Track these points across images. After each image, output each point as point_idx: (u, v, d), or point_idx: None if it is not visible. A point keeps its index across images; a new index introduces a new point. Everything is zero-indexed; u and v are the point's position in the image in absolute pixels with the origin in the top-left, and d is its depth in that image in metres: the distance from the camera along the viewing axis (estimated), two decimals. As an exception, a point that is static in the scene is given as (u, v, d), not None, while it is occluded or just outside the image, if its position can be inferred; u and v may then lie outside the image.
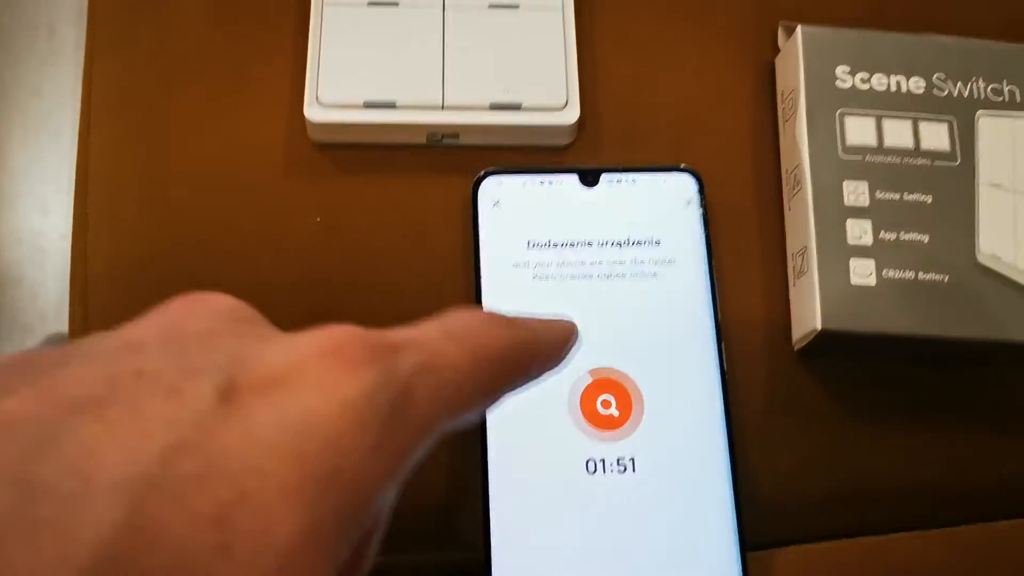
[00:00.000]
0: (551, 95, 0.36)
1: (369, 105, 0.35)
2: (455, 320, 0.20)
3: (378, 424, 0.16)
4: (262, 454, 0.15)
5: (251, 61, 0.37)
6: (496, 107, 0.35)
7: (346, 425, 0.16)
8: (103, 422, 0.14)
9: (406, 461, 0.17)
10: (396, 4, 0.37)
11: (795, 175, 0.35)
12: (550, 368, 0.22)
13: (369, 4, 0.37)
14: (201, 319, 0.18)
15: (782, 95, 0.37)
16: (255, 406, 0.15)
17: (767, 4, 0.39)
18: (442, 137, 0.36)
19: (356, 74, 0.36)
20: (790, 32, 0.37)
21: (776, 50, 0.38)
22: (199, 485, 0.14)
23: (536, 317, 0.22)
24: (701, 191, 0.35)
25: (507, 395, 0.21)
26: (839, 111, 0.35)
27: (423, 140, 0.36)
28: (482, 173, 0.35)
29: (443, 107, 0.35)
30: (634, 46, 0.39)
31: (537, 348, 0.22)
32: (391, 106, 0.35)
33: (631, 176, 0.36)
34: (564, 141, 0.37)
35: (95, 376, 0.15)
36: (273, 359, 0.16)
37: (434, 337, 0.19)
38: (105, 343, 0.17)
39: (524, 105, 0.36)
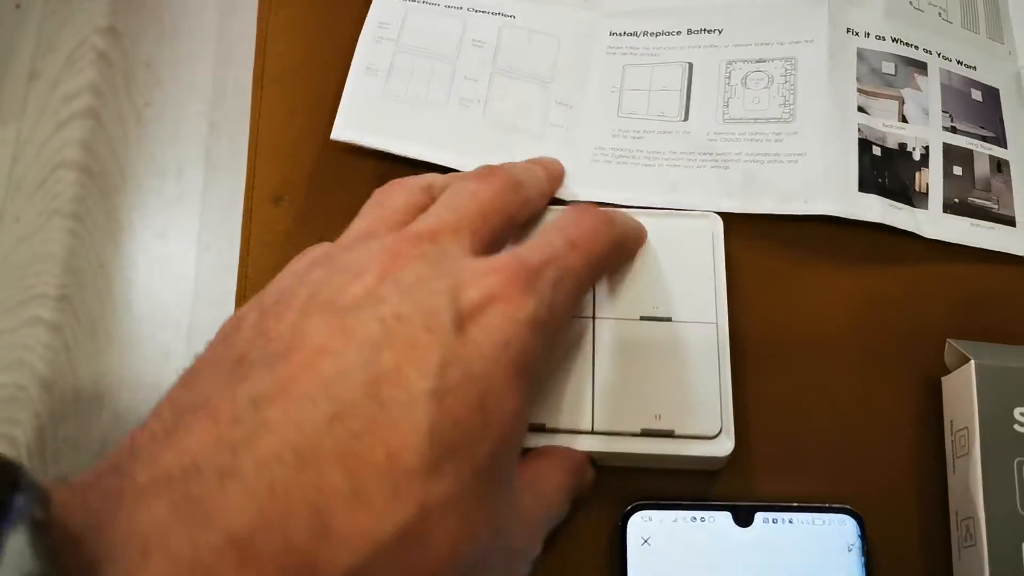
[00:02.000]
0: (705, 423, 0.35)
1: None
2: (574, 226, 0.30)
3: (541, 328, 0.26)
4: (489, 363, 0.24)
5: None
6: (647, 433, 0.34)
7: (526, 335, 0.25)
8: (396, 351, 0.23)
9: (556, 342, 0.29)
10: None
11: (967, 526, 0.33)
12: (632, 256, 0.35)
13: None
14: (410, 264, 0.26)
15: (951, 425, 0.35)
16: (473, 331, 0.24)
17: (932, 314, 0.38)
18: (594, 460, 0.35)
19: None
20: (958, 354, 0.35)
21: (942, 366, 0.36)
22: (466, 387, 0.23)
23: (624, 214, 0.35)
24: (863, 535, 0.33)
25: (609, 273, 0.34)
26: (1017, 459, 0.33)
27: None
28: (630, 508, 0.34)
29: (592, 432, 0.34)
30: (786, 361, 0.37)
31: (627, 241, 0.34)
32: (541, 429, 0.35)
33: (787, 516, 0.34)
34: (716, 467, 0.35)
35: (372, 321, 0.24)
36: (474, 295, 0.25)
37: (561, 249, 0.28)
38: (355, 291, 0.25)
39: (676, 433, 0.34)
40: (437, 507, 0.22)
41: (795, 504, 0.34)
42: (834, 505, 0.34)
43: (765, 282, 0.38)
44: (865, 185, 0.38)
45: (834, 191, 0.37)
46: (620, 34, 0.43)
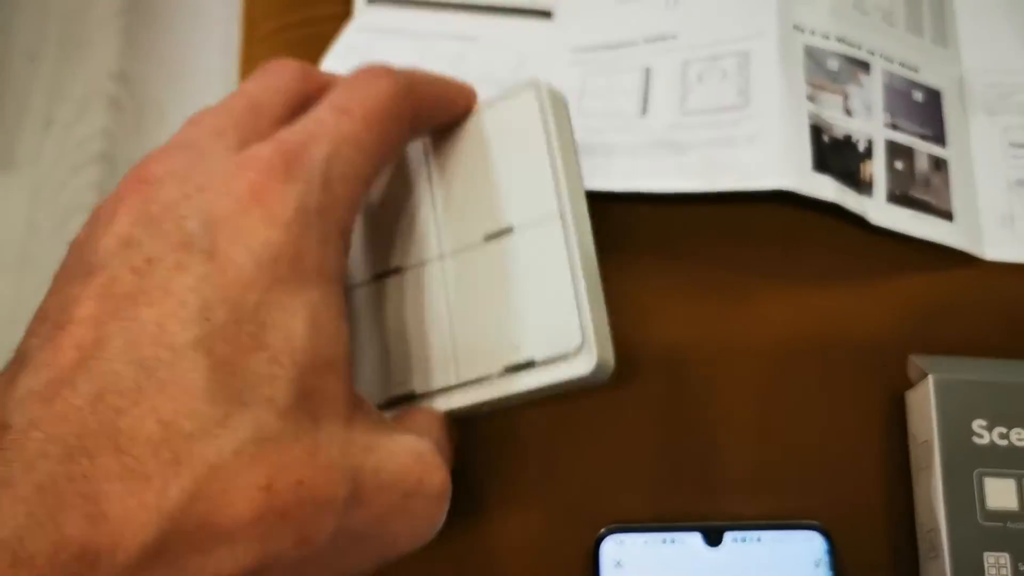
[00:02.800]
0: (562, 340, 0.29)
1: (391, 402, 0.33)
2: (344, 91, 0.25)
3: (316, 218, 0.22)
4: (258, 289, 0.21)
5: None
6: (510, 370, 0.30)
7: (295, 238, 0.22)
8: (152, 305, 0.21)
9: (345, 225, 0.24)
10: (399, 270, 0.33)
11: (931, 538, 0.34)
12: (452, 113, 0.30)
13: (374, 278, 0.34)
14: (158, 190, 0.23)
15: (914, 439, 0.36)
16: (231, 250, 0.22)
17: (896, 328, 0.38)
18: (487, 411, 0.32)
19: (371, 370, 0.33)
20: (919, 369, 0.36)
21: (907, 380, 0.37)
22: (235, 326, 0.21)
23: (427, 71, 0.29)
24: (832, 550, 0.34)
25: (416, 132, 0.28)
26: (977, 470, 0.34)
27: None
28: (603, 532, 0.35)
29: (459, 384, 0.31)
30: (749, 375, 0.38)
31: (423, 90, 0.28)
32: (411, 396, 0.32)
33: (756, 534, 0.35)
34: (594, 386, 0.30)
35: (124, 272, 0.21)
36: (223, 205, 0.22)
37: (329, 120, 0.24)
38: (107, 243, 0.22)
39: (537, 360, 0.29)
40: (233, 463, 0.20)
41: (763, 522, 0.35)
42: (802, 522, 0.35)
43: (726, 296, 0.39)
44: (819, 167, 0.38)
45: (791, 168, 0.38)
46: (580, 50, 0.45)
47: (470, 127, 0.32)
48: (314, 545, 0.22)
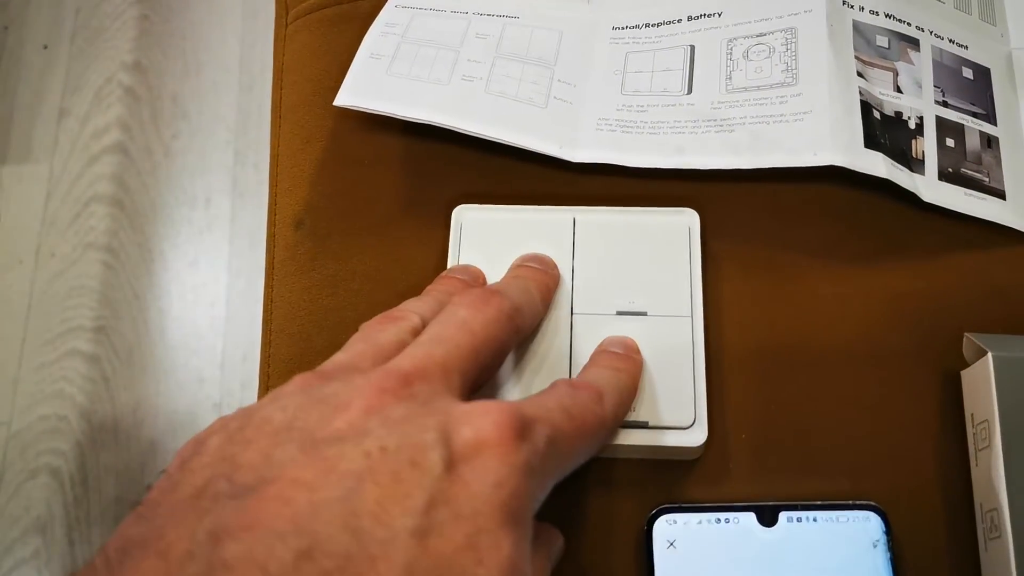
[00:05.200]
0: (679, 414, 0.35)
1: None
2: (569, 397, 0.29)
3: (533, 477, 0.25)
4: (480, 503, 0.23)
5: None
6: (622, 425, 0.35)
7: (519, 480, 0.24)
8: (380, 487, 0.22)
9: (544, 495, 0.26)
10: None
11: (992, 518, 0.33)
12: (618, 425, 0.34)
13: None
14: (397, 403, 0.25)
15: (972, 418, 0.35)
16: (465, 472, 0.23)
17: (949, 307, 0.38)
18: None
19: (483, 391, 0.35)
20: (976, 347, 0.35)
21: (961, 360, 0.37)
22: (453, 525, 0.22)
23: (616, 377, 0.33)
24: (888, 531, 0.33)
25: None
26: (1039, 449, 0.33)
27: None
28: (654, 512, 0.34)
29: None
30: (805, 359, 0.37)
31: (616, 416, 0.32)
32: None
33: (811, 514, 0.34)
34: (691, 457, 0.36)
35: (355, 454, 0.22)
36: (468, 435, 0.24)
37: (556, 412, 0.28)
38: (337, 426, 0.23)
39: (651, 424, 0.35)
40: None
41: (819, 503, 0.34)
42: (858, 502, 0.34)
43: (776, 275, 0.39)
44: (869, 143, 0.38)
45: (842, 144, 0.37)
46: (622, 28, 0.44)
47: (622, 223, 0.38)
48: None
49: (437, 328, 0.29)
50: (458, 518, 0.22)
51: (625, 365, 0.34)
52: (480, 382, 0.30)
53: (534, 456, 0.25)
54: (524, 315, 0.33)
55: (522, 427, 0.25)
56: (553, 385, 0.31)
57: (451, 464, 0.23)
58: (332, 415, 0.24)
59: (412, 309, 0.32)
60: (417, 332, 0.30)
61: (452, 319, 0.30)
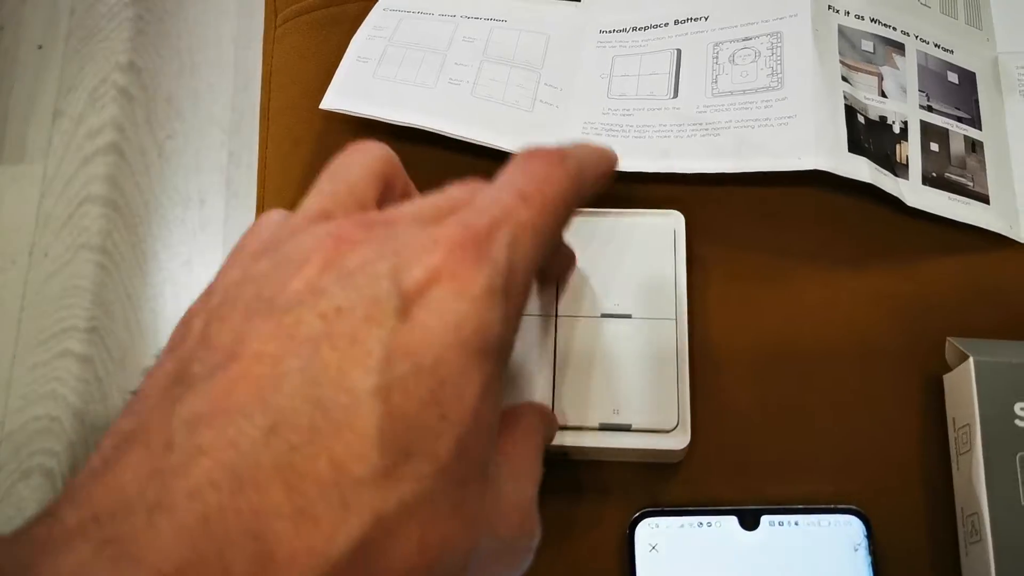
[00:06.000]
0: (662, 417, 0.35)
1: None
2: (523, 175, 0.26)
3: (499, 299, 0.23)
4: (440, 348, 0.22)
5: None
6: (605, 428, 0.35)
7: (482, 310, 0.22)
8: (336, 349, 0.21)
9: (521, 309, 0.25)
10: None
11: (972, 522, 0.33)
12: (603, 184, 0.30)
13: None
14: (353, 249, 0.23)
15: (953, 422, 0.36)
16: (420, 314, 0.22)
17: (932, 311, 0.38)
18: (551, 453, 0.36)
19: None
20: (958, 352, 0.35)
21: (944, 364, 0.37)
22: (415, 379, 0.21)
23: (580, 144, 0.29)
24: (869, 535, 0.34)
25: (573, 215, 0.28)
26: (1019, 454, 0.33)
27: None
28: (637, 515, 0.34)
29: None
30: (786, 361, 0.38)
31: (588, 173, 0.28)
32: None
33: (793, 518, 0.34)
34: (674, 460, 0.36)
35: (311, 317, 0.21)
36: (418, 272, 0.22)
37: (512, 206, 0.25)
38: (296, 286, 0.22)
39: (634, 427, 0.35)
40: (395, 514, 0.21)
41: (800, 506, 0.35)
42: (839, 506, 0.34)
43: (764, 285, 0.39)
44: (854, 147, 0.38)
45: (826, 148, 0.37)
46: (609, 31, 0.44)
47: (607, 225, 0.38)
48: None
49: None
50: (420, 371, 0.21)
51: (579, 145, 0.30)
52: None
53: (496, 275, 0.23)
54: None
55: (476, 246, 0.23)
56: (504, 168, 0.27)
57: (406, 310, 0.22)
58: (292, 275, 0.23)
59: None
60: (388, 161, 0.29)
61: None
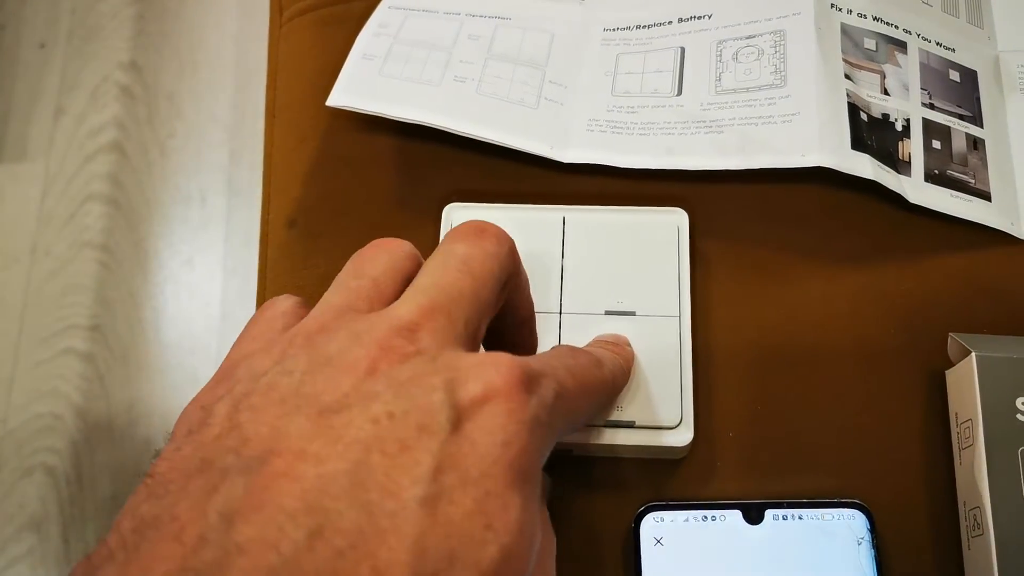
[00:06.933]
0: (665, 414, 0.35)
1: None
2: (571, 358, 0.29)
3: (540, 432, 0.24)
4: (488, 464, 0.22)
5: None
6: (609, 425, 0.35)
7: (528, 436, 0.23)
8: (387, 456, 0.21)
9: (549, 450, 0.25)
10: None
11: (974, 515, 0.34)
12: (615, 398, 0.34)
13: None
14: (404, 360, 0.24)
15: (956, 417, 0.36)
16: (472, 430, 0.22)
17: (935, 307, 0.38)
18: (556, 449, 0.36)
19: None
20: (960, 347, 0.36)
21: (946, 359, 0.37)
22: (461, 490, 0.21)
23: (612, 354, 0.33)
24: (872, 528, 0.34)
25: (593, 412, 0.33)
26: (1021, 449, 0.33)
27: None
28: (642, 509, 0.35)
29: None
30: (790, 357, 0.38)
31: (615, 383, 0.33)
32: None
33: (796, 512, 0.34)
34: (677, 456, 0.36)
35: (362, 421, 0.22)
36: (473, 389, 0.23)
37: (561, 370, 0.27)
38: (344, 388, 0.23)
39: (637, 423, 0.35)
40: None
41: (804, 500, 0.35)
42: (843, 500, 0.35)
43: (768, 282, 0.39)
44: (857, 144, 0.38)
45: (829, 146, 0.38)
46: (613, 29, 0.44)
47: (611, 222, 0.39)
48: None
49: (436, 269, 0.27)
50: (466, 482, 0.22)
51: (619, 350, 0.35)
52: (485, 322, 0.28)
53: (542, 410, 0.24)
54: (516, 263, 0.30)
55: (529, 379, 0.24)
56: (554, 348, 0.30)
57: (458, 423, 0.22)
58: (338, 378, 0.23)
59: (405, 243, 0.30)
60: (413, 259, 0.29)
61: (451, 257, 0.27)
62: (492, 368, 0.24)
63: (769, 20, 0.42)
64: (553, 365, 0.27)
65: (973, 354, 0.35)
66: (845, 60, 0.40)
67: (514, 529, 0.22)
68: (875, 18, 0.42)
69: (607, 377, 0.31)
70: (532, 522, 0.23)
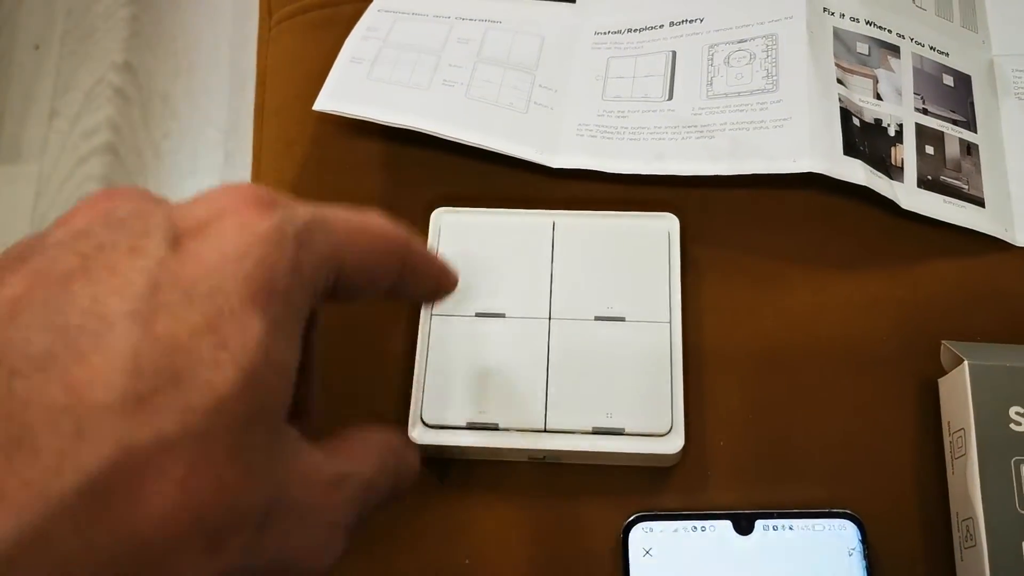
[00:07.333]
0: (655, 421, 0.35)
1: (472, 427, 0.35)
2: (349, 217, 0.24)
3: (289, 246, 0.21)
4: (219, 279, 0.19)
5: (362, 375, 0.38)
6: (599, 432, 0.35)
7: (267, 248, 0.20)
8: (93, 282, 0.19)
9: (315, 288, 0.22)
10: (503, 316, 0.37)
11: (967, 527, 0.33)
12: (431, 285, 0.29)
13: (476, 315, 0.37)
14: (126, 203, 0.21)
15: (948, 426, 0.35)
16: (197, 245, 0.20)
17: (927, 315, 0.38)
18: (544, 457, 0.36)
19: (459, 393, 0.36)
20: (953, 356, 0.35)
21: (939, 368, 0.37)
22: (187, 306, 0.19)
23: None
24: (864, 539, 0.33)
25: (391, 280, 0.26)
26: (1014, 458, 0.33)
27: (524, 459, 0.36)
28: (631, 519, 0.34)
29: (545, 430, 0.35)
30: (781, 365, 0.37)
31: (418, 247, 0.27)
32: (494, 428, 0.35)
33: (787, 523, 0.34)
34: (667, 464, 0.36)
35: (66, 255, 0.19)
36: (199, 212, 0.21)
37: (314, 209, 0.23)
38: (57, 235, 0.20)
39: (627, 431, 0.35)
40: (151, 448, 0.18)
41: (795, 511, 0.34)
42: (834, 510, 0.34)
43: (759, 288, 0.39)
44: (849, 150, 0.38)
45: (821, 151, 0.37)
46: (604, 33, 0.44)
47: (601, 227, 0.38)
48: (223, 558, 0.19)
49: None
50: (192, 298, 0.19)
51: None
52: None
53: (287, 224, 0.21)
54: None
55: (269, 200, 0.21)
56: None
57: (177, 242, 0.20)
58: (54, 229, 0.21)
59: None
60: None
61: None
62: (220, 191, 0.21)
63: (761, 24, 0.42)
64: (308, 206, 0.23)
65: (966, 362, 0.34)
66: (837, 64, 0.40)
67: (254, 350, 0.19)
68: (868, 22, 0.42)
69: (407, 239, 0.26)
70: (281, 348, 0.20)
